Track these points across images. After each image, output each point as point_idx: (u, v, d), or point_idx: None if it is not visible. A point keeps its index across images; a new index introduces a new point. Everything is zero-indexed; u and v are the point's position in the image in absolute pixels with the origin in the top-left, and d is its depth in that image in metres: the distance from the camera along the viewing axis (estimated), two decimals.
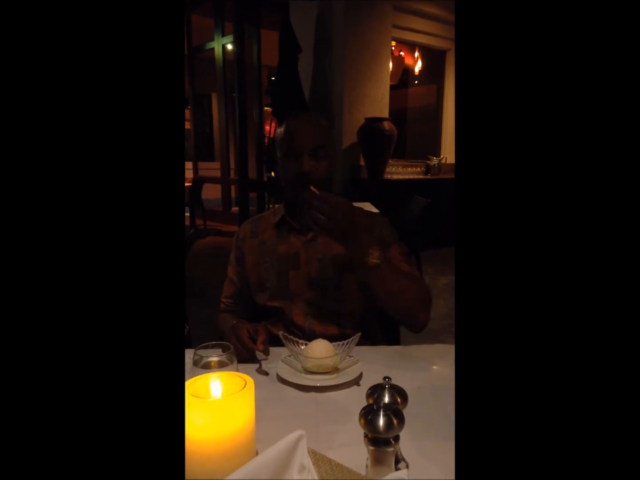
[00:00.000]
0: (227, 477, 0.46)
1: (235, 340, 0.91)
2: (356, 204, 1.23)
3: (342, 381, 0.81)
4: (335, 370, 0.86)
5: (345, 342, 0.88)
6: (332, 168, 1.11)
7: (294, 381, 0.82)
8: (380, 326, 1.15)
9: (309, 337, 1.07)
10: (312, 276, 1.09)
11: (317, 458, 0.52)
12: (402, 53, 5.49)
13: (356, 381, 0.83)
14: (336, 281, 1.08)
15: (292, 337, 0.91)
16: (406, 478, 0.46)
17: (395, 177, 4.80)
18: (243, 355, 0.89)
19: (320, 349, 0.86)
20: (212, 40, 6.00)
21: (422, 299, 0.99)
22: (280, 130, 1.10)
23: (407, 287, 0.96)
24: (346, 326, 1.07)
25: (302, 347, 0.89)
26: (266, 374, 0.88)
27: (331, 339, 0.99)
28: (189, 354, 0.71)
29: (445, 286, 3.41)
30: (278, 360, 0.90)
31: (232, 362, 0.70)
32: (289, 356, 0.91)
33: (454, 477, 0.43)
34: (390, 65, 4.87)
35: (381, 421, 0.51)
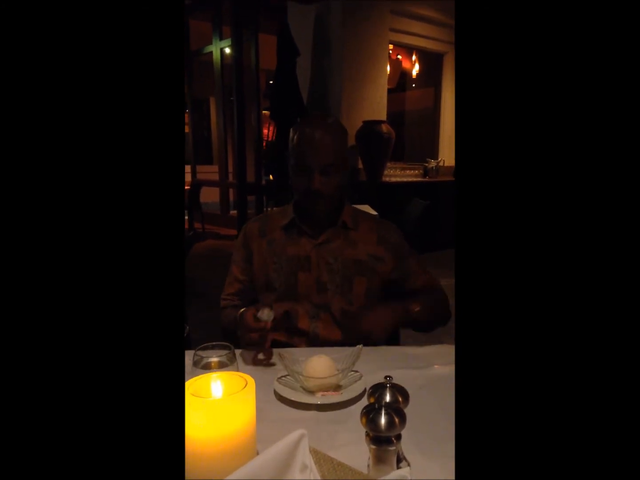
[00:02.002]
0: (228, 477, 0.46)
1: (244, 328, 0.92)
2: (355, 207, 1.23)
3: (345, 398, 0.76)
4: (337, 387, 0.81)
5: (347, 355, 0.83)
6: (344, 181, 1.09)
7: (295, 399, 0.76)
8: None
9: (312, 340, 1.06)
10: (322, 279, 1.08)
11: (319, 457, 0.52)
12: (399, 56, 5.51)
13: (359, 398, 0.77)
14: (346, 285, 1.08)
15: (287, 355, 0.84)
16: (408, 476, 0.46)
17: (393, 179, 4.80)
18: (254, 340, 0.91)
19: (321, 367, 0.79)
20: (210, 44, 6.01)
21: (445, 311, 1.13)
22: (293, 137, 1.06)
23: (435, 312, 1.11)
24: (350, 330, 1.06)
25: (301, 364, 0.82)
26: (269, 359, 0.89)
27: (334, 344, 0.98)
28: (188, 355, 0.71)
29: (445, 288, 3.40)
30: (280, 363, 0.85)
31: (232, 362, 0.69)
32: (286, 376, 0.83)
33: (455, 476, 0.43)
34: (388, 68, 4.88)
35: (383, 420, 0.51)
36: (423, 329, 1.12)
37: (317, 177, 1.02)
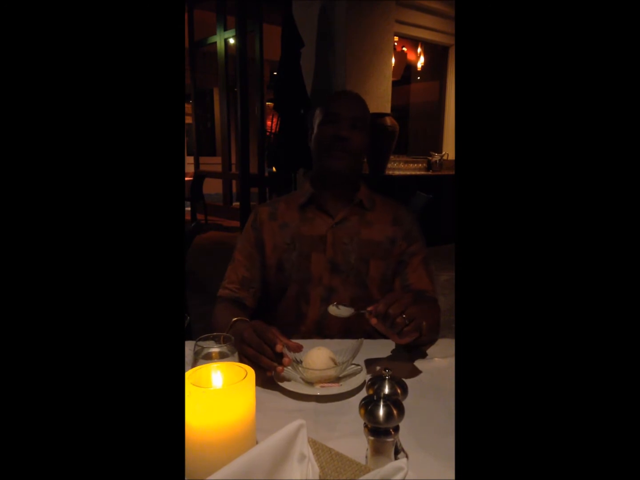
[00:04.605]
0: (227, 466, 0.47)
1: (249, 347, 0.77)
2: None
3: (345, 390, 0.76)
4: (337, 379, 0.81)
5: (347, 348, 0.83)
6: (365, 151, 1.10)
7: (294, 390, 0.76)
8: None
9: (320, 325, 1.06)
10: (337, 261, 1.06)
11: (317, 447, 0.53)
12: (404, 49, 5.48)
13: (359, 390, 0.77)
14: (362, 267, 1.06)
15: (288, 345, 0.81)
16: (405, 468, 0.47)
17: (397, 173, 4.79)
18: (262, 362, 0.76)
19: (321, 359, 0.79)
20: (214, 34, 5.98)
21: (436, 328, 0.99)
22: (321, 107, 1.12)
23: (432, 331, 0.94)
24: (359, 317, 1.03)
25: (300, 359, 0.82)
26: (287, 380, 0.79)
27: (343, 330, 0.95)
28: (190, 346, 0.71)
29: (447, 282, 3.41)
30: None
31: (232, 353, 0.70)
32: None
33: (452, 468, 0.43)
34: (393, 60, 4.85)
35: (381, 411, 0.51)
36: (407, 346, 0.94)
37: (346, 125, 1.05)
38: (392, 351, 0.95)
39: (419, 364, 0.89)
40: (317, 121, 1.10)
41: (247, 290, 1.11)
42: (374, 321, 0.75)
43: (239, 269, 1.12)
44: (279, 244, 1.10)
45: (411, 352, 0.93)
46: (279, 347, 0.75)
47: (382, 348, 0.96)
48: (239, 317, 0.91)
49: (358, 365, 0.84)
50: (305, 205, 1.11)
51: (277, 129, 4.21)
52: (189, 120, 7.41)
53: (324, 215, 1.10)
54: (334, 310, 0.84)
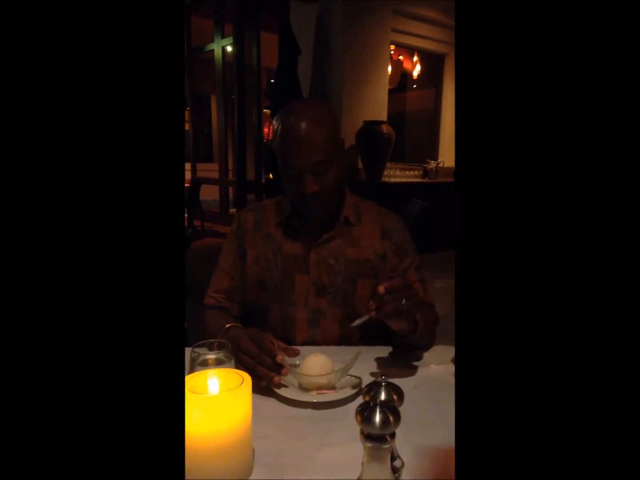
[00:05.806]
0: None
1: (246, 356, 0.77)
2: (356, 196, 1.12)
3: (341, 396, 0.76)
4: (332, 387, 0.80)
5: (345, 360, 0.82)
6: (340, 174, 0.97)
7: (291, 397, 0.76)
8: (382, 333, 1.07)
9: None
10: (322, 282, 1.00)
11: None
12: (400, 57, 5.52)
13: (355, 396, 0.77)
14: (349, 287, 1.00)
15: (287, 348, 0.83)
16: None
17: (393, 180, 4.81)
18: (258, 370, 0.76)
19: (317, 366, 0.79)
20: (212, 41, 6.00)
21: (432, 332, 0.99)
22: (277, 129, 0.94)
23: (428, 333, 0.96)
24: (350, 336, 1.00)
25: (297, 363, 0.83)
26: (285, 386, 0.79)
27: (332, 351, 0.94)
28: (186, 353, 0.71)
29: (442, 289, 3.41)
30: None
31: (229, 359, 0.70)
32: None
33: (448, 475, 0.43)
34: (389, 68, 4.89)
35: (377, 418, 0.51)
36: (403, 347, 0.95)
37: (309, 179, 0.91)
38: (389, 358, 0.95)
39: (414, 370, 0.89)
40: (278, 158, 0.95)
41: (232, 300, 1.08)
42: (381, 289, 0.75)
43: (223, 278, 1.08)
44: (262, 258, 1.04)
45: (408, 353, 0.94)
46: (279, 358, 0.75)
47: (379, 355, 0.96)
48: (232, 324, 0.90)
49: (357, 377, 0.82)
50: (287, 220, 1.04)
51: None
52: (186, 126, 7.42)
53: (305, 235, 1.02)
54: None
